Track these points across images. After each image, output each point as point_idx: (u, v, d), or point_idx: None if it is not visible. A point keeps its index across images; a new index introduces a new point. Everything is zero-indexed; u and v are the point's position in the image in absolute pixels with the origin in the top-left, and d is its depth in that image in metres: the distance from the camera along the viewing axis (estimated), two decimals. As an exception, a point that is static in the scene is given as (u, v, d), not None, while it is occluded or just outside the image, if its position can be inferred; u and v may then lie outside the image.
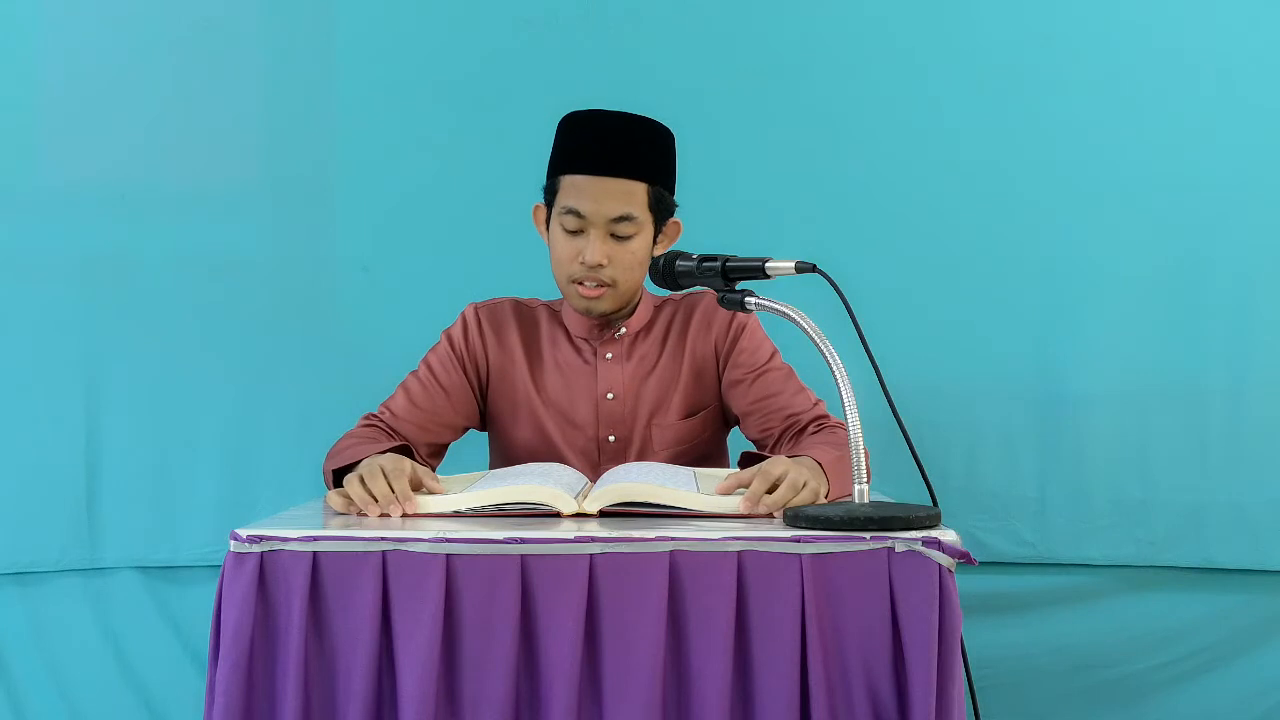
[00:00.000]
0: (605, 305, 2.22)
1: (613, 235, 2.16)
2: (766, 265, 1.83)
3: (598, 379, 2.28)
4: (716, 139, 3.00)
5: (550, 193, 2.22)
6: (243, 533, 1.64)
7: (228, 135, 3.04)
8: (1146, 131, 3.04)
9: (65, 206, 2.98)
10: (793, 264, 1.81)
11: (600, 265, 2.16)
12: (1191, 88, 3.04)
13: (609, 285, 2.19)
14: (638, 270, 2.20)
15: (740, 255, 1.86)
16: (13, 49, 2.97)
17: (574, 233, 2.17)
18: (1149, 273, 3.04)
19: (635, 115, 2.19)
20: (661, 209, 2.21)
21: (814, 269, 1.80)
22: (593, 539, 1.64)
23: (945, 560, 1.62)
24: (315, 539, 1.64)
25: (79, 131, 2.99)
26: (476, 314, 2.32)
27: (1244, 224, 3.03)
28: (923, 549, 1.62)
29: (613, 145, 2.16)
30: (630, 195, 2.16)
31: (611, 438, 2.28)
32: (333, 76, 3.06)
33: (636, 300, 2.28)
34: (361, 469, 1.84)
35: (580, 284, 2.18)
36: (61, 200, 2.98)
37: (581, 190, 2.15)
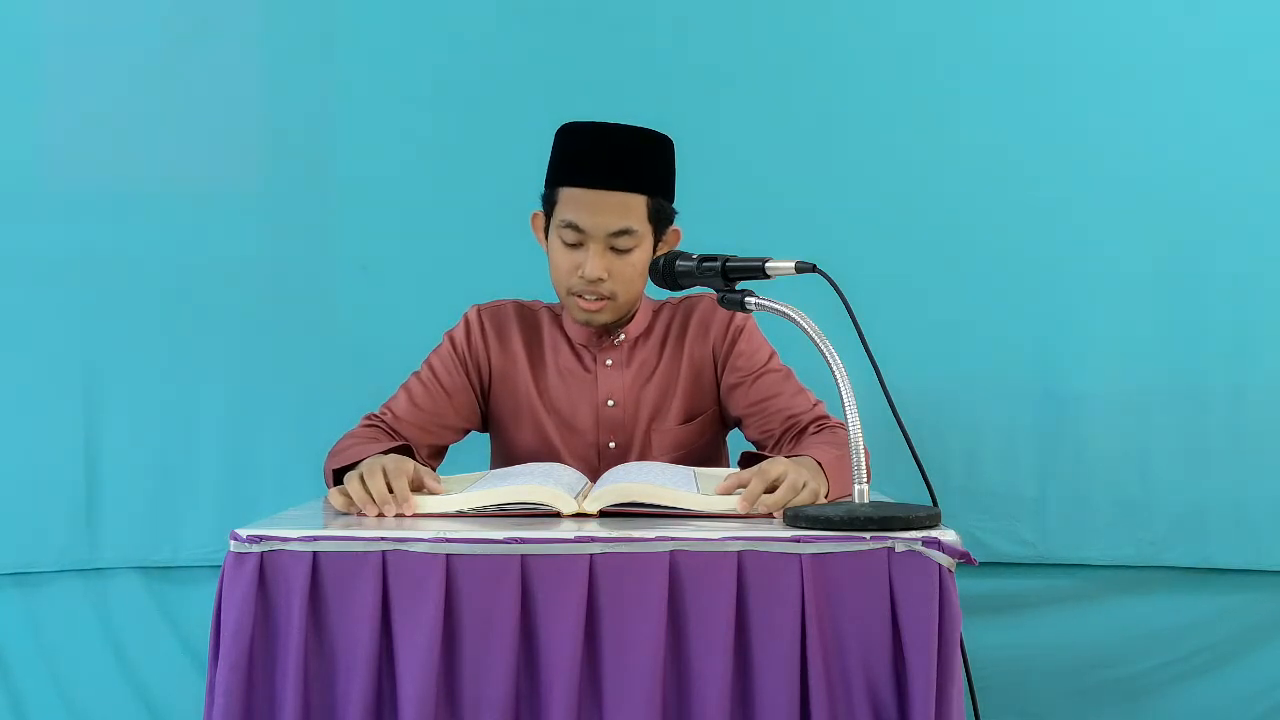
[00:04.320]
0: (605, 318, 2.22)
1: (612, 248, 2.16)
2: (766, 265, 1.83)
3: (598, 386, 2.28)
4: (716, 138, 3.00)
5: (549, 203, 2.21)
6: (243, 533, 1.64)
7: (228, 136, 3.04)
8: (1147, 131, 3.05)
9: (65, 207, 2.98)
10: (793, 264, 1.81)
11: (600, 279, 2.15)
12: (1193, 88, 3.04)
13: (609, 298, 2.18)
14: (637, 282, 2.20)
15: (740, 255, 1.86)
16: (13, 50, 2.98)
17: (573, 245, 2.17)
18: (1149, 272, 3.05)
19: (633, 127, 2.18)
20: (661, 219, 2.20)
21: (814, 269, 1.79)
22: (593, 539, 1.64)
23: (945, 560, 1.62)
24: (315, 539, 1.64)
25: (79, 133, 2.99)
26: (479, 316, 2.32)
27: (1244, 224, 3.03)
28: (923, 549, 1.62)
29: (611, 158, 2.15)
30: (629, 208, 2.15)
31: (612, 444, 2.28)
32: (333, 77, 3.07)
33: (635, 306, 2.28)
34: (362, 468, 1.84)
35: (580, 297, 2.18)
36: (62, 201, 2.98)
37: (580, 203, 2.15)
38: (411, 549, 1.63)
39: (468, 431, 2.33)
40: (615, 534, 1.65)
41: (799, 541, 1.63)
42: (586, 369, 2.29)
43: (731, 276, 1.85)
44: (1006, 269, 3.05)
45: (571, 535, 1.64)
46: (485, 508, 1.79)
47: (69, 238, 2.97)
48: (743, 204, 3.00)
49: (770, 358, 2.28)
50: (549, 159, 2.22)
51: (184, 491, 2.98)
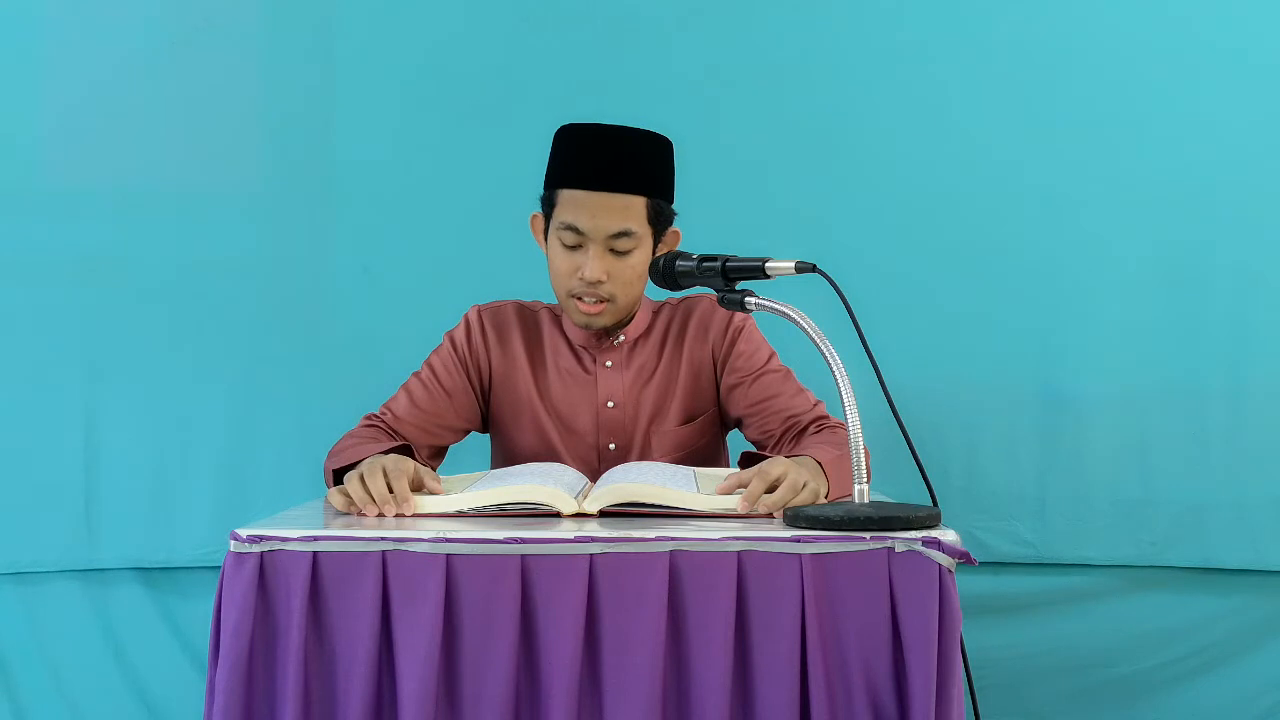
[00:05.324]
0: (604, 321, 2.21)
1: (611, 250, 2.15)
2: (766, 265, 1.83)
3: (598, 387, 2.28)
4: (717, 139, 3.01)
5: (548, 205, 2.21)
6: (243, 533, 1.64)
7: (228, 136, 3.04)
8: (1147, 132, 3.05)
9: (66, 207, 2.98)
10: (793, 264, 1.81)
11: (599, 281, 2.15)
12: (1193, 88, 3.04)
13: (608, 300, 2.18)
14: (637, 284, 2.19)
15: (740, 255, 1.86)
16: (14, 50, 2.98)
17: (572, 248, 2.16)
18: (1149, 273, 3.05)
19: (632, 128, 2.17)
20: (660, 220, 2.20)
21: (814, 269, 1.79)
22: (593, 539, 1.64)
23: (945, 560, 1.62)
24: (315, 539, 1.63)
25: (79, 132, 2.99)
26: (480, 316, 2.31)
27: (1244, 224, 3.03)
28: (923, 549, 1.62)
29: (610, 160, 2.14)
30: (628, 210, 2.15)
31: (612, 445, 2.28)
32: (333, 77, 3.07)
33: (635, 308, 2.28)
34: (362, 468, 1.84)
35: (579, 299, 2.18)
36: (62, 201, 2.99)
37: (580, 206, 2.14)
38: (411, 549, 1.63)
39: (468, 432, 2.33)
40: (615, 534, 1.64)
41: (799, 541, 1.63)
42: (586, 370, 2.29)
43: (731, 276, 1.85)
44: (1007, 269, 3.06)
45: (571, 535, 1.64)
46: (485, 508, 1.79)
47: (70, 237, 2.97)
48: (743, 204, 3.00)
49: (770, 358, 2.28)
50: (548, 160, 2.22)
51: (183, 492, 2.99)
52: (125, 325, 2.98)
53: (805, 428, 2.17)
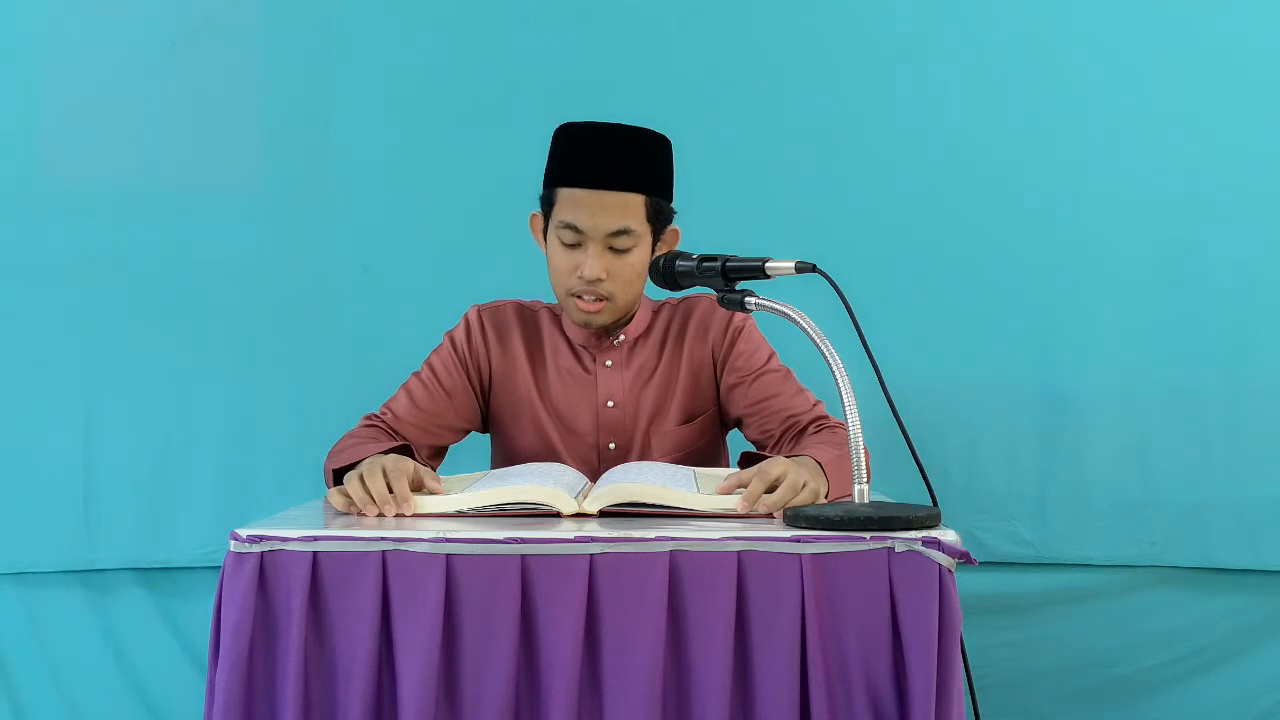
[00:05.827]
0: (604, 319, 2.21)
1: (611, 248, 2.15)
2: (766, 265, 1.83)
3: (598, 387, 2.28)
4: (717, 139, 3.01)
5: (547, 204, 2.21)
6: (243, 533, 1.64)
7: (228, 136, 3.04)
8: (1147, 132, 3.05)
9: (66, 207, 2.98)
10: (793, 264, 1.81)
11: (599, 279, 2.15)
12: (1192, 88, 3.05)
13: (607, 299, 2.18)
14: (636, 283, 2.19)
15: (740, 255, 1.86)
16: (13, 50, 2.98)
17: (572, 246, 2.16)
18: (1149, 273, 3.05)
19: (631, 126, 2.17)
20: (660, 219, 2.20)
21: (814, 269, 1.79)
22: (593, 539, 1.64)
23: (945, 560, 1.62)
24: (315, 539, 1.63)
25: (79, 132, 2.99)
26: (479, 316, 2.31)
27: (1244, 224, 3.04)
28: (923, 549, 1.62)
29: (609, 158, 2.14)
30: (627, 208, 2.15)
31: (612, 445, 2.28)
32: (332, 77, 3.07)
33: (635, 307, 2.28)
34: (362, 468, 1.84)
35: (579, 298, 2.18)
36: (62, 201, 2.99)
37: (579, 204, 2.14)
38: (411, 549, 1.63)
39: (468, 432, 2.33)
40: (615, 534, 1.64)
41: (799, 541, 1.63)
42: (586, 370, 2.29)
43: (731, 276, 1.85)
44: (1007, 269, 3.06)
45: (571, 535, 1.64)
46: (485, 508, 1.79)
47: (70, 237, 2.97)
48: (743, 204, 3.00)
49: (770, 358, 2.28)
50: (547, 159, 2.22)
51: (183, 492, 2.98)
52: (125, 325, 2.98)
53: (805, 427, 2.17)
